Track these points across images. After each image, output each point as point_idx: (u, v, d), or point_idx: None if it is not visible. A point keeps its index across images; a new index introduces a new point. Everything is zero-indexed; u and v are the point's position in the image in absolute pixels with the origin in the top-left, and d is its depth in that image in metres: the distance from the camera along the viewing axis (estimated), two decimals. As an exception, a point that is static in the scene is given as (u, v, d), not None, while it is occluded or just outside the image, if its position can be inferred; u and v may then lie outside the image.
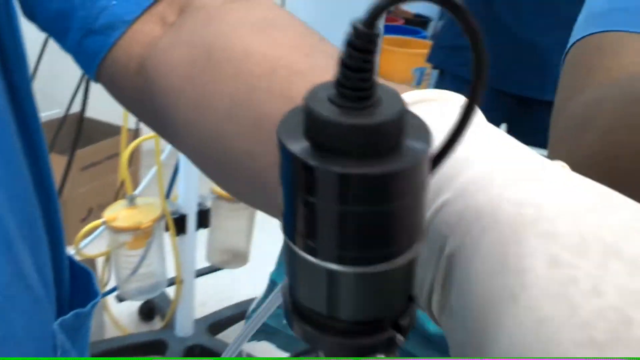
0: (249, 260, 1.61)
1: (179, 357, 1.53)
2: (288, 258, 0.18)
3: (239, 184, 0.32)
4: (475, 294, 0.19)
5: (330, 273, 0.17)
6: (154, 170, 1.49)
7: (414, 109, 0.22)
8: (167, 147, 1.53)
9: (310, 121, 0.16)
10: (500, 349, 0.18)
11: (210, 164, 0.33)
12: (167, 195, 1.51)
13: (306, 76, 0.28)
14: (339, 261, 0.17)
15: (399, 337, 0.18)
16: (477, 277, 0.19)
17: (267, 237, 1.86)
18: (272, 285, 1.12)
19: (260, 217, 1.60)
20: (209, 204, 1.51)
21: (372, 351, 0.18)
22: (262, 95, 0.28)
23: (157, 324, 1.76)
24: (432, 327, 1.02)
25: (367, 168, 0.15)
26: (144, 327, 1.76)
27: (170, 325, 1.61)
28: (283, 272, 0.94)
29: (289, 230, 0.17)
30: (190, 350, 1.56)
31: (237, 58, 0.30)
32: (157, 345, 1.58)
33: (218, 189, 1.51)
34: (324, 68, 0.28)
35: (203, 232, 1.54)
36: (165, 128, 0.36)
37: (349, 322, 0.18)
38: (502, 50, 1.32)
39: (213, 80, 0.31)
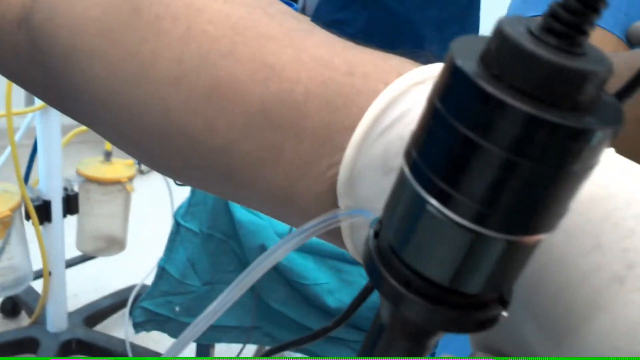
0: (126, 246, 1.51)
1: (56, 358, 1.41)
2: (406, 208, 0.16)
3: (187, 163, 0.27)
4: (553, 274, 0.18)
5: (478, 238, 0.15)
6: (7, 152, 1.33)
7: (428, 86, 0.20)
8: (21, 125, 1.37)
9: (504, 52, 0.14)
10: (599, 329, 0.17)
11: (141, 140, 0.27)
12: (26, 180, 1.36)
13: (281, 41, 0.24)
14: (499, 227, 0.14)
15: (504, 314, 0.17)
16: (559, 257, 0.18)
17: (143, 221, 1.76)
18: (161, 272, 1.06)
19: (136, 200, 1.49)
20: (76, 187, 1.39)
21: (479, 328, 0.16)
22: (222, 60, 0.24)
23: (24, 320, 1.62)
24: (331, 301, 1.02)
25: (569, 119, 0.13)
26: (10, 325, 1.61)
27: (40, 321, 1.49)
28: (173, 259, 0.88)
29: (422, 178, 0.15)
30: (67, 345, 1.46)
31: (182, 14, 0.25)
32: (27, 343, 1.47)
33: (85, 171, 1.39)
34: (298, 32, 0.25)
35: (72, 219, 1.41)
36: (65, 97, 0.30)
37: (468, 295, 0.16)
38: (380, 26, 1.35)
39: (147, 40, 0.25)
